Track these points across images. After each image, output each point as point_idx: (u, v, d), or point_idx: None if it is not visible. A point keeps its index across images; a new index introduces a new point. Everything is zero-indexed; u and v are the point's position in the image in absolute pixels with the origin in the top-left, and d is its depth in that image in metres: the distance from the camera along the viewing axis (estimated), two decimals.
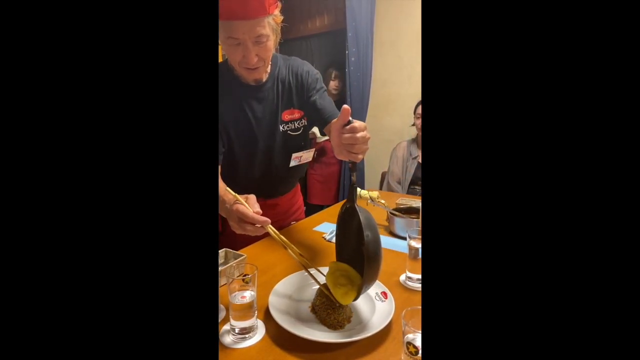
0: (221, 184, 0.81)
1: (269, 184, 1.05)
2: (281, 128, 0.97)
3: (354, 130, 0.60)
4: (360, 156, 0.63)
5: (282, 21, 0.82)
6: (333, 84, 2.58)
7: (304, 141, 1.04)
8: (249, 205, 0.67)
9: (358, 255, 0.68)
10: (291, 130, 0.99)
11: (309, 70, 0.99)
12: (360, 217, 0.60)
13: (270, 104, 0.95)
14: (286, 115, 0.97)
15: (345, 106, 0.59)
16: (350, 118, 0.60)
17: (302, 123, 1.00)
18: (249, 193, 0.99)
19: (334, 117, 0.95)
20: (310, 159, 1.08)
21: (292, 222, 1.19)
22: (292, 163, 1.02)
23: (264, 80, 0.93)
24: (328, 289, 0.64)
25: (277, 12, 0.80)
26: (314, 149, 1.02)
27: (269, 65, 0.93)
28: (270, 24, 0.79)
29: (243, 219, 0.65)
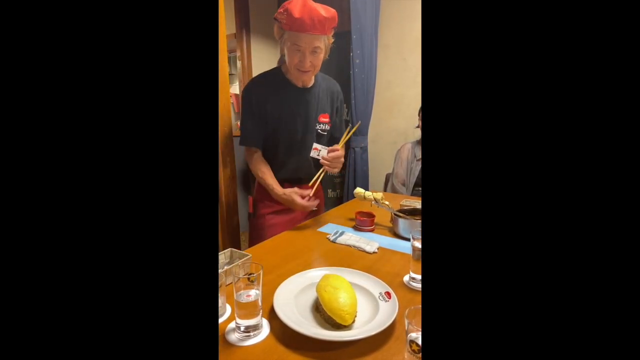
0: (271, 179, 1.21)
1: (298, 171, 1.28)
2: (316, 126, 1.25)
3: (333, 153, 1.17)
4: (331, 170, 1.19)
5: (332, 43, 1.11)
6: None
7: (325, 142, 1.30)
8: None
9: None
10: (321, 130, 1.27)
11: (339, 91, 1.33)
12: None
13: (314, 105, 1.23)
14: (321, 118, 1.26)
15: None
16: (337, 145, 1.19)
17: (328, 127, 1.29)
18: (282, 177, 1.28)
19: (337, 134, 1.35)
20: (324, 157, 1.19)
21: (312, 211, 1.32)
22: (312, 154, 1.25)
23: (310, 85, 1.22)
24: (323, 310, 0.65)
25: (331, 34, 1.09)
26: (328, 147, 1.23)
27: (315, 75, 1.22)
28: (325, 41, 1.09)
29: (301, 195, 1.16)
